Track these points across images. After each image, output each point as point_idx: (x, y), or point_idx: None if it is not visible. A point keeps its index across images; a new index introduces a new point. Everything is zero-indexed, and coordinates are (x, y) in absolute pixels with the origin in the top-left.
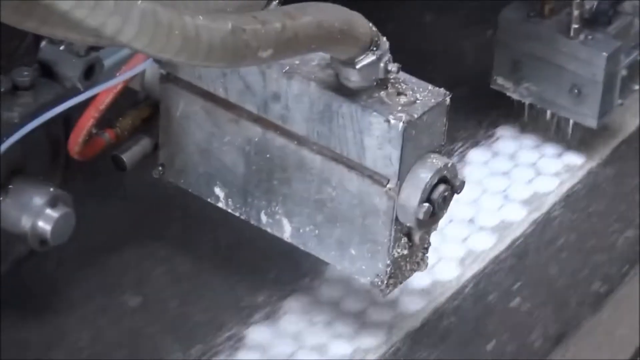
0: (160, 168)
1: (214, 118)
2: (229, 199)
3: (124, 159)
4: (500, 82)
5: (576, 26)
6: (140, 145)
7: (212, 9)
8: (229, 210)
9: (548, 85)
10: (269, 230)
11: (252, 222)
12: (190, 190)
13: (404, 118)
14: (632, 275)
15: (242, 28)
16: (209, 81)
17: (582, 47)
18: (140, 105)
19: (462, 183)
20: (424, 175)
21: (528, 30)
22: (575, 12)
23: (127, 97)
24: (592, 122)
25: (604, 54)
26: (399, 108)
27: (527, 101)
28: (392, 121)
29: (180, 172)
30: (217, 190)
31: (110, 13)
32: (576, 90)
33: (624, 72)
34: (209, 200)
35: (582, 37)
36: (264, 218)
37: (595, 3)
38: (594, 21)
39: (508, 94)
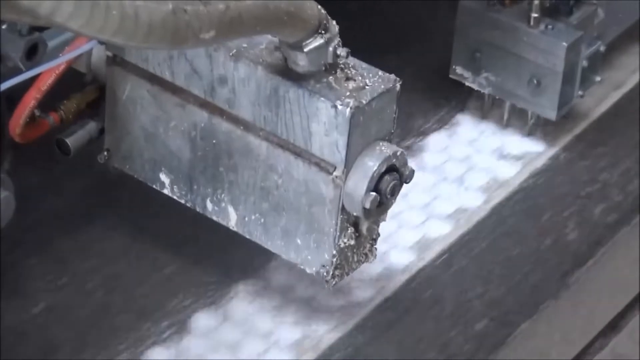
0: (105, 153)
1: (160, 102)
2: (175, 186)
3: (68, 143)
4: (459, 72)
5: (536, 15)
6: (86, 129)
7: None
8: (175, 197)
9: (507, 75)
10: (214, 218)
11: (198, 209)
12: (135, 176)
13: (351, 104)
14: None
15: (184, 8)
16: (155, 64)
17: (542, 37)
18: (87, 88)
19: (412, 172)
20: (371, 163)
21: (488, 18)
22: (536, 1)
23: (73, 80)
24: (551, 114)
25: (564, 44)
26: (347, 93)
27: (486, 91)
28: (339, 107)
29: (126, 157)
30: (163, 177)
31: None
32: (535, 81)
33: (584, 63)
34: (154, 186)
35: (542, 26)
36: (209, 206)
37: None
38: (555, 10)
39: (467, 83)
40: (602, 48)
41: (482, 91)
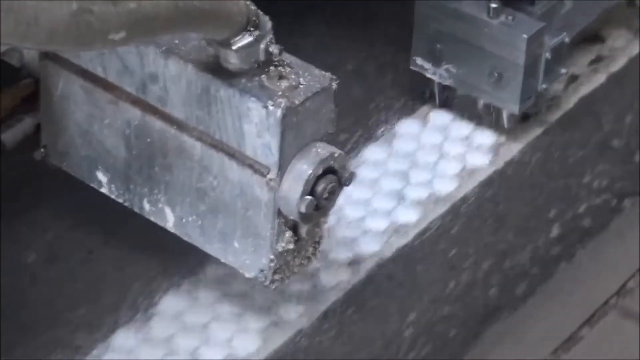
0: (42, 150)
1: (94, 98)
2: (112, 185)
3: (2, 140)
4: (420, 63)
5: (495, 6)
6: (22, 125)
7: None
8: (112, 197)
9: (468, 67)
10: (152, 219)
11: (136, 209)
12: (73, 174)
13: (283, 104)
14: None
15: (89, 9)
16: (87, 60)
17: (502, 28)
18: (21, 82)
19: (351, 174)
20: (306, 166)
21: (447, 8)
22: None
23: (8, 74)
24: (513, 108)
25: (524, 36)
26: (280, 93)
27: (447, 84)
28: (270, 107)
29: (63, 154)
30: (100, 175)
31: None
32: (496, 74)
33: (548, 55)
34: (92, 185)
35: (502, 17)
36: (146, 206)
37: None
38: (516, 1)
39: (427, 75)
40: (567, 39)
41: (443, 83)
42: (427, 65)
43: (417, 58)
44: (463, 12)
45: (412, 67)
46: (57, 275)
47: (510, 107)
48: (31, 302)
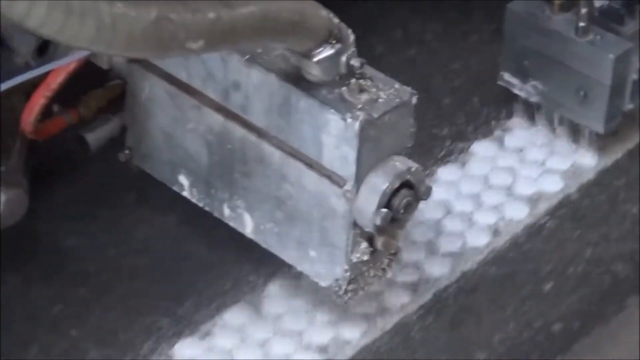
0: (127, 151)
1: (178, 103)
2: (193, 189)
3: (88, 140)
4: (507, 79)
5: (583, 24)
6: (108, 126)
7: None
8: (194, 201)
9: (555, 85)
10: (231, 224)
11: (216, 214)
12: (155, 176)
13: (361, 117)
14: None
15: (168, 17)
16: (173, 65)
17: (589, 48)
18: (109, 84)
19: (428, 189)
20: (382, 179)
21: (535, 25)
22: (583, 10)
23: (96, 76)
24: (598, 127)
25: (611, 55)
26: (359, 106)
27: (533, 100)
28: (349, 120)
29: (146, 156)
30: (182, 179)
31: None
32: (582, 93)
33: (635, 76)
34: (174, 188)
35: (590, 36)
36: (226, 211)
37: (607, 1)
38: (606, 20)
39: (515, 91)
40: None
41: (530, 100)
42: (515, 81)
43: (504, 73)
44: (551, 30)
45: (499, 83)
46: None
47: (595, 126)
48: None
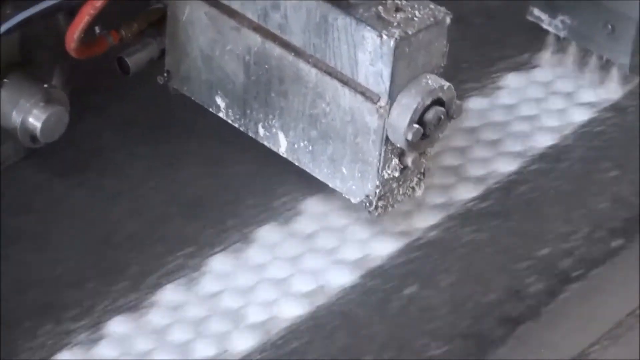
0: (165, 75)
1: (217, 25)
2: (229, 110)
3: (128, 62)
4: (537, 14)
5: None
6: (148, 49)
7: None
8: (229, 121)
9: (583, 19)
10: (265, 143)
11: (251, 134)
12: (193, 98)
13: (397, 34)
14: None
15: None
16: None
17: None
18: (150, 8)
19: (459, 107)
20: (415, 96)
21: None
22: None
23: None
24: (624, 60)
25: None
26: (395, 24)
27: (561, 35)
28: (385, 37)
29: (184, 79)
30: (219, 100)
31: None
32: (610, 26)
33: None
34: (210, 109)
35: None
36: (261, 131)
37: None
38: None
39: (543, 26)
40: None
41: (558, 34)
42: (544, 17)
43: (534, 9)
44: None
45: (528, 17)
46: None
47: (622, 59)
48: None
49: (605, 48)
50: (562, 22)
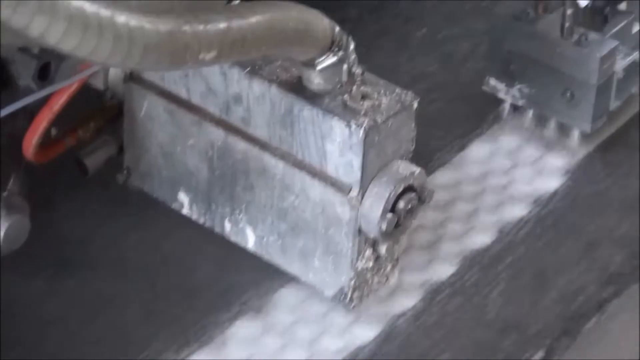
0: (125, 172)
1: (177, 120)
2: (193, 206)
3: (86, 163)
4: (493, 84)
5: (568, 25)
6: (105, 147)
7: (158, 9)
8: (193, 218)
9: (541, 87)
10: (232, 239)
11: (217, 230)
12: (154, 195)
13: (365, 123)
14: None
15: (182, 29)
16: (171, 82)
17: (574, 48)
18: (105, 105)
19: (431, 192)
20: (387, 184)
21: (520, 29)
22: (568, 11)
23: (92, 97)
24: (586, 127)
25: (597, 55)
26: (362, 112)
27: (519, 103)
28: (353, 126)
29: (145, 176)
30: (182, 196)
31: (35, 13)
32: (569, 93)
33: (620, 75)
34: (173, 206)
35: (575, 37)
36: (227, 226)
37: (591, 2)
38: (589, 20)
39: (500, 96)
40: (638, 58)
41: (516, 104)
42: (500, 86)
43: (490, 79)
44: (537, 33)
45: (484, 88)
46: None
47: (583, 125)
48: None
49: (565, 115)
50: (520, 90)
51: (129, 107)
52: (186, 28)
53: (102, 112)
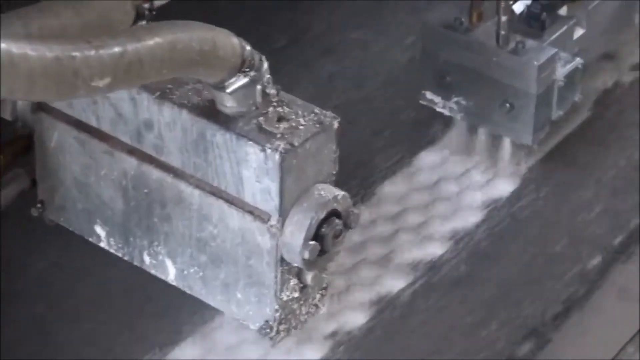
0: (39, 205)
1: (89, 149)
2: (111, 239)
3: None
4: (429, 97)
5: (504, 33)
6: (17, 182)
7: (49, 34)
8: (112, 251)
9: (479, 99)
10: (152, 272)
11: (136, 263)
12: (71, 228)
13: (281, 147)
14: None
15: (70, 55)
16: (80, 110)
17: (511, 57)
18: (16, 136)
19: (356, 216)
20: (308, 210)
21: (454, 38)
22: (503, 18)
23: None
24: (527, 139)
25: (535, 63)
26: (278, 135)
27: (458, 117)
28: (268, 150)
29: (60, 209)
30: (98, 229)
31: None
32: (508, 104)
33: (561, 83)
34: (90, 239)
35: (512, 45)
36: (147, 259)
37: (526, 8)
38: (526, 27)
39: (437, 109)
40: (580, 65)
41: (454, 117)
42: (437, 99)
43: (426, 92)
44: (471, 41)
45: (421, 102)
46: None
47: (524, 138)
48: None
49: (505, 127)
50: (457, 103)
51: (40, 138)
52: (76, 54)
53: (11, 145)
